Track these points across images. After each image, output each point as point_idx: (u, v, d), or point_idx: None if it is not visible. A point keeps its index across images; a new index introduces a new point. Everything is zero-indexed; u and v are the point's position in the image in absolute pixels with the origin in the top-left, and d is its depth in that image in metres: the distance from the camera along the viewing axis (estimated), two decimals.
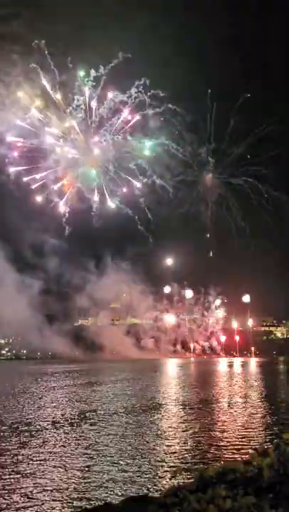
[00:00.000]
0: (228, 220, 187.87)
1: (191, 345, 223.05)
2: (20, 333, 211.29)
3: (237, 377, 79.61)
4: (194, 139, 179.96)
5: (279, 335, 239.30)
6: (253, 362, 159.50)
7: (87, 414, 33.74)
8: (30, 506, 14.95)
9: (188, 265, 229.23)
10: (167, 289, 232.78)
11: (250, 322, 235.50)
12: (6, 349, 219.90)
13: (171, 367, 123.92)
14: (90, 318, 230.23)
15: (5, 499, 15.53)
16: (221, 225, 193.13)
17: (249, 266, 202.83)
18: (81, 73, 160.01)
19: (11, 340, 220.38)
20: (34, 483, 17.04)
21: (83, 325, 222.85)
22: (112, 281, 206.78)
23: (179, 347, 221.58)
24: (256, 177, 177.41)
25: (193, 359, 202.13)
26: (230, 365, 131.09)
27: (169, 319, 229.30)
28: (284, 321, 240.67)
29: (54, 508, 14.86)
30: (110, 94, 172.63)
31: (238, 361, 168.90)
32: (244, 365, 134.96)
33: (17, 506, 14.94)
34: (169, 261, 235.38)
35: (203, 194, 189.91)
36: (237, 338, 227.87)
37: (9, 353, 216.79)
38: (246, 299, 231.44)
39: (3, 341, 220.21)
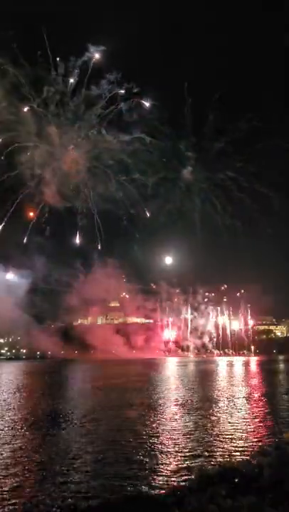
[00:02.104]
0: (215, 217, 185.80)
1: (186, 344, 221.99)
2: (12, 333, 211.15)
3: (235, 377, 79.59)
4: (173, 133, 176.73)
5: (279, 333, 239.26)
6: (253, 360, 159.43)
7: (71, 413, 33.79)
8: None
9: (178, 263, 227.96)
10: (158, 288, 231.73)
11: (249, 320, 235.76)
12: (6, 348, 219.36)
13: (171, 367, 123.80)
14: (89, 317, 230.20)
15: None
16: (208, 222, 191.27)
17: (248, 264, 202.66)
18: None
19: (10, 340, 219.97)
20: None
21: (81, 324, 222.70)
22: (104, 280, 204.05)
23: (172, 345, 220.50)
24: (239, 172, 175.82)
25: (192, 357, 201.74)
26: (227, 364, 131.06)
27: (160, 318, 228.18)
28: (284, 320, 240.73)
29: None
30: (84, 88, 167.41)
31: (235, 360, 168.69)
32: (242, 364, 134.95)
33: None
34: (159, 259, 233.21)
35: (186, 189, 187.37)
36: (229, 336, 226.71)
37: (8, 353, 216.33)
38: (245, 297, 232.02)
39: (2, 340, 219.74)
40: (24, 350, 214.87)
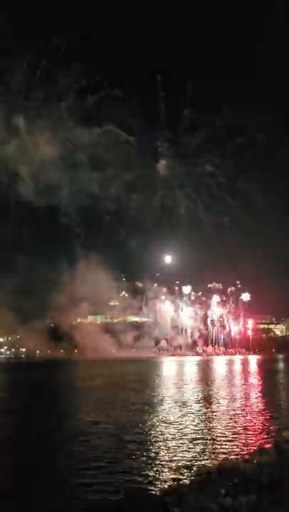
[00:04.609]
0: (200, 214, 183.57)
1: (179, 343, 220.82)
2: (11, 332, 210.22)
3: (234, 376, 79.62)
4: (147, 128, 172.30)
5: (278, 332, 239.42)
6: (252, 359, 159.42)
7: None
8: None
9: (168, 261, 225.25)
10: (147, 287, 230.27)
11: (249, 319, 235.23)
12: (5, 347, 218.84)
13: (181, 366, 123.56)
14: (89, 316, 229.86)
15: None
16: (195, 219, 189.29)
17: (246, 263, 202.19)
18: None
19: (10, 339, 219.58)
20: None
21: (80, 323, 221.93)
22: (96, 278, 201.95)
23: (165, 344, 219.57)
24: (218, 167, 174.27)
25: (187, 356, 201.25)
26: (226, 363, 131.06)
27: (153, 317, 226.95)
28: (283, 319, 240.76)
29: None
30: (52, 80, 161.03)
31: (232, 359, 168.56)
32: (241, 362, 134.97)
33: None
34: (149, 256, 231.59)
35: (167, 186, 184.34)
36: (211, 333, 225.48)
37: (8, 352, 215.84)
38: (246, 297, 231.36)
39: (2, 339, 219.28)
40: (24, 349, 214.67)
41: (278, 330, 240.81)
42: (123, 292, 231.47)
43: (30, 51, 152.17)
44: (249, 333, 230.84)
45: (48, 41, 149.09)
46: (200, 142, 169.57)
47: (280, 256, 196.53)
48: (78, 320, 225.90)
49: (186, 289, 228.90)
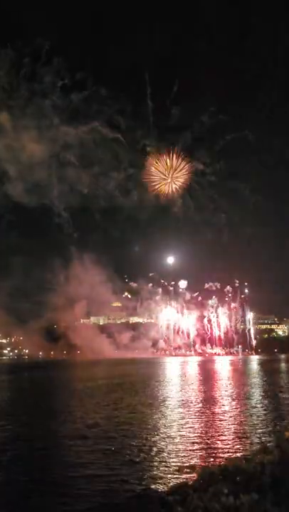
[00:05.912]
0: (195, 213, 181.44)
1: (178, 344, 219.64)
2: (14, 333, 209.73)
3: (234, 376, 79.54)
4: (134, 126, 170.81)
5: (280, 333, 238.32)
6: (254, 360, 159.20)
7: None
8: None
9: (164, 261, 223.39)
10: (143, 287, 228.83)
11: (249, 318, 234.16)
12: (8, 349, 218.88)
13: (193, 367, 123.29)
14: (91, 317, 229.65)
15: None
16: (187, 215, 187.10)
17: (250, 262, 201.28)
18: None
19: (12, 340, 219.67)
20: None
21: (82, 324, 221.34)
22: (96, 279, 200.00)
23: (165, 345, 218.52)
24: (206, 164, 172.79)
25: (188, 356, 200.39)
26: (229, 364, 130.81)
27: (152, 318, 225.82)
28: (285, 319, 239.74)
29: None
30: (36, 77, 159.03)
31: (235, 359, 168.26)
32: (243, 363, 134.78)
33: None
34: (146, 255, 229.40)
35: (152, 183, 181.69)
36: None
37: (11, 353, 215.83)
38: (245, 296, 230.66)
39: (4, 341, 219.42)
40: (26, 351, 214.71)
41: (280, 330, 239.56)
42: (126, 293, 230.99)
43: (14, 49, 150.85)
44: (249, 333, 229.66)
45: (33, 39, 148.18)
46: (188, 140, 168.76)
47: (282, 255, 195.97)
48: (81, 321, 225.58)
49: (183, 289, 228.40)
